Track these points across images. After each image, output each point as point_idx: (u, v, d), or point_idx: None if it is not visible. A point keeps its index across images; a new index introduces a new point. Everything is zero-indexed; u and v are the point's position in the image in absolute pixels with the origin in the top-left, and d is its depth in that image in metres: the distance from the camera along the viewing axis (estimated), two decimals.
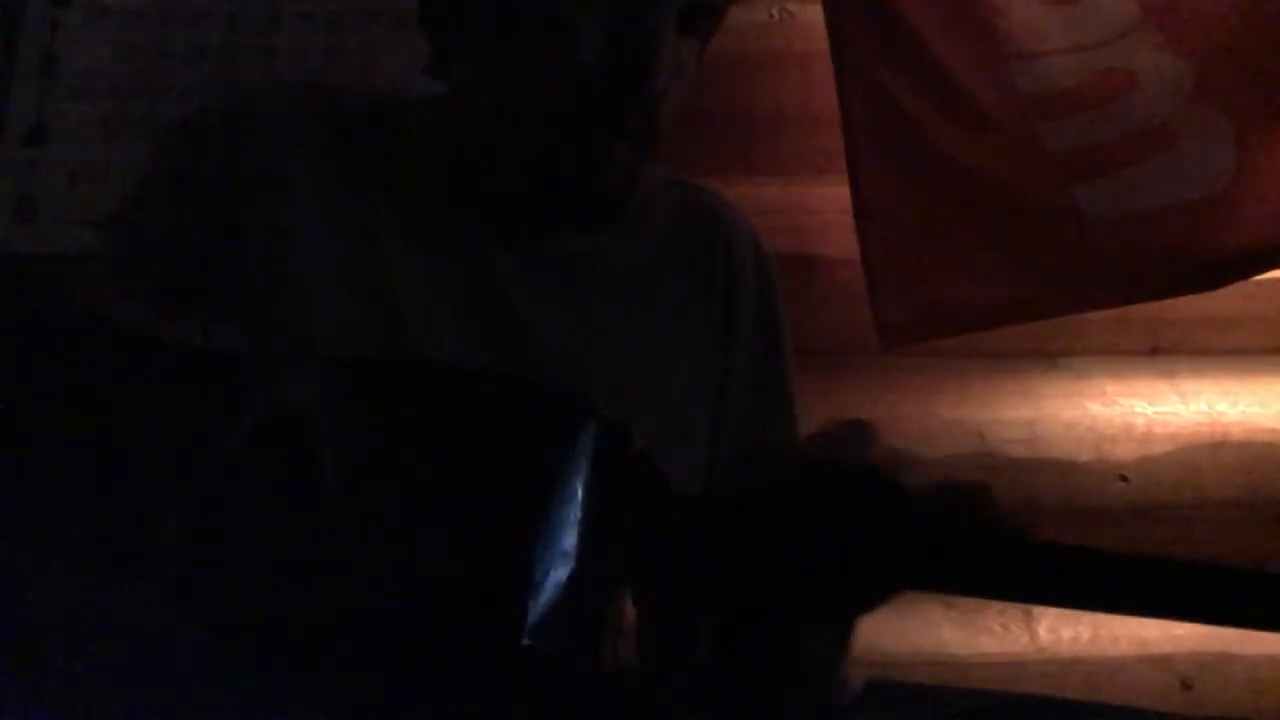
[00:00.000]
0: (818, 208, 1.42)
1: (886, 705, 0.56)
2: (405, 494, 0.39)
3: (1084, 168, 1.26)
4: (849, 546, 0.44)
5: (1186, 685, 1.25)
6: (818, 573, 0.46)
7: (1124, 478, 1.39)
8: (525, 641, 0.37)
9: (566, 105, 0.65)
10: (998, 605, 1.36)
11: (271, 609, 0.38)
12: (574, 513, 0.39)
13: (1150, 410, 1.41)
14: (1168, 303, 1.28)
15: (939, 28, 1.32)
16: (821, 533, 0.44)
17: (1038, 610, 1.36)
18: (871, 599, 0.50)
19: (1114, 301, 1.28)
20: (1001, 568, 0.44)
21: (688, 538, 0.43)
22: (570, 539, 0.38)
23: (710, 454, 0.76)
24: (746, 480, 0.49)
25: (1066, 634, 1.34)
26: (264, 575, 0.38)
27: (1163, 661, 1.28)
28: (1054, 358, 1.44)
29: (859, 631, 0.56)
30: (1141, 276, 1.23)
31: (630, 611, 0.53)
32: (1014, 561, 0.44)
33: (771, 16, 1.55)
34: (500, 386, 0.43)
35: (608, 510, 0.40)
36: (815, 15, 1.39)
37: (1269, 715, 1.31)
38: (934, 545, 0.44)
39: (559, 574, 0.37)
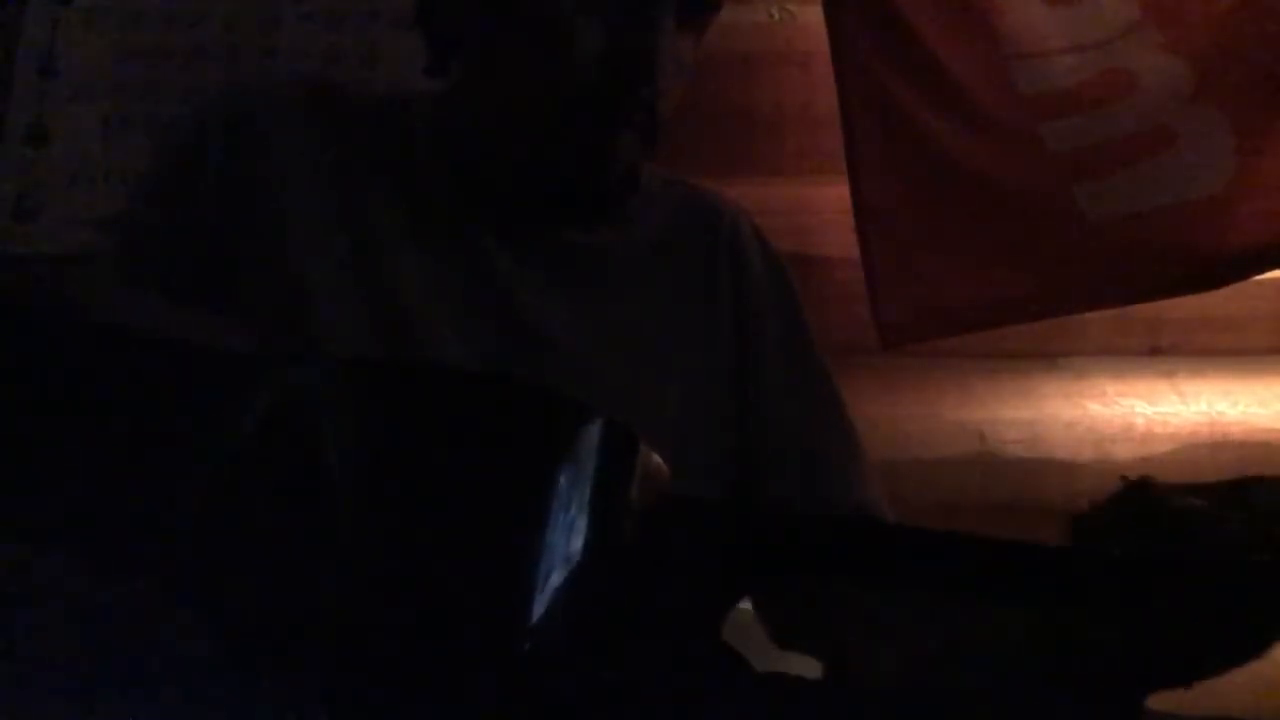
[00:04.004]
0: (818, 208, 1.42)
1: (888, 703, 0.55)
2: (407, 496, 0.39)
3: (1084, 168, 1.26)
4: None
5: (1186, 685, 1.25)
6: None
7: (1124, 478, 1.39)
8: (527, 644, 0.37)
9: (566, 102, 0.65)
10: None
11: (272, 609, 0.38)
12: (576, 515, 0.39)
13: (1150, 410, 1.41)
14: (1168, 303, 1.28)
15: (939, 28, 1.32)
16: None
17: None
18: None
19: (1114, 301, 1.28)
20: None
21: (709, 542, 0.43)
22: (573, 542, 0.38)
23: (741, 450, 0.76)
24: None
25: None
26: (265, 575, 0.38)
27: None
28: (1054, 358, 1.44)
29: None
30: (1141, 276, 1.23)
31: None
32: None
33: (771, 16, 1.55)
34: (503, 389, 0.43)
35: (610, 512, 0.40)
36: (815, 15, 1.39)
37: (1269, 715, 1.31)
38: None
39: (561, 577, 0.37)
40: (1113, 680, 0.49)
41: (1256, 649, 0.46)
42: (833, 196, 1.37)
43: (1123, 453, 1.40)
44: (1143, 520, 0.46)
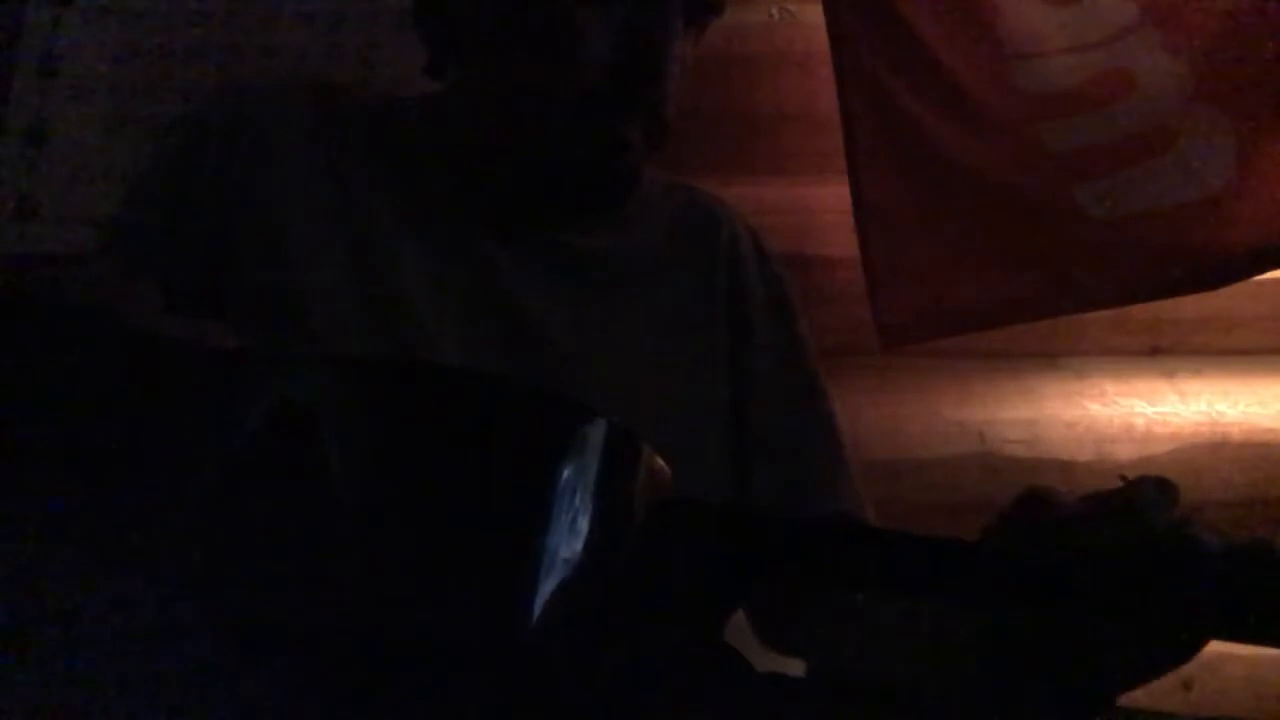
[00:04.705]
0: (818, 208, 1.42)
1: (885, 699, 0.55)
2: (408, 496, 0.39)
3: (1084, 168, 1.26)
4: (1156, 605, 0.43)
5: (1186, 685, 1.25)
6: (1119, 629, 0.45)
7: (1124, 478, 1.39)
8: (528, 645, 0.37)
9: (570, 102, 0.65)
10: None
11: (273, 610, 0.38)
12: (577, 516, 0.39)
13: (1150, 410, 1.41)
14: (1168, 303, 1.28)
15: (939, 28, 1.32)
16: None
17: None
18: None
19: (1114, 301, 1.28)
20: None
21: (699, 542, 0.43)
22: (574, 543, 0.38)
23: (737, 453, 0.76)
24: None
25: None
26: (266, 576, 0.38)
27: None
28: (1054, 358, 1.44)
29: None
30: (1141, 276, 1.24)
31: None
32: None
33: (771, 16, 1.55)
34: (505, 389, 0.43)
35: (612, 513, 0.40)
36: (815, 15, 1.39)
37: (1269, 715, 1.31)
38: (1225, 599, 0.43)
39: (562, 578, 0.37)
40: (1079, 678, 0.49)
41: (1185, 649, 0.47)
42: (833, 196, 1.37)
43: (1123, 453, 1.40)
44: (1033, 529, 0.47)
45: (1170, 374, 1.43)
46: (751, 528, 0.45)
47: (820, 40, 1.36)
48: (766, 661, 0.73)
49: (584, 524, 0.39)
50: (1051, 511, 0.48)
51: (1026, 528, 0.48)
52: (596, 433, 0.40)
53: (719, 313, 0.78)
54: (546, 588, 0.37)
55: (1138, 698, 0.57)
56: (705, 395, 0.75)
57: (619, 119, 0.66)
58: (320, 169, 0.70)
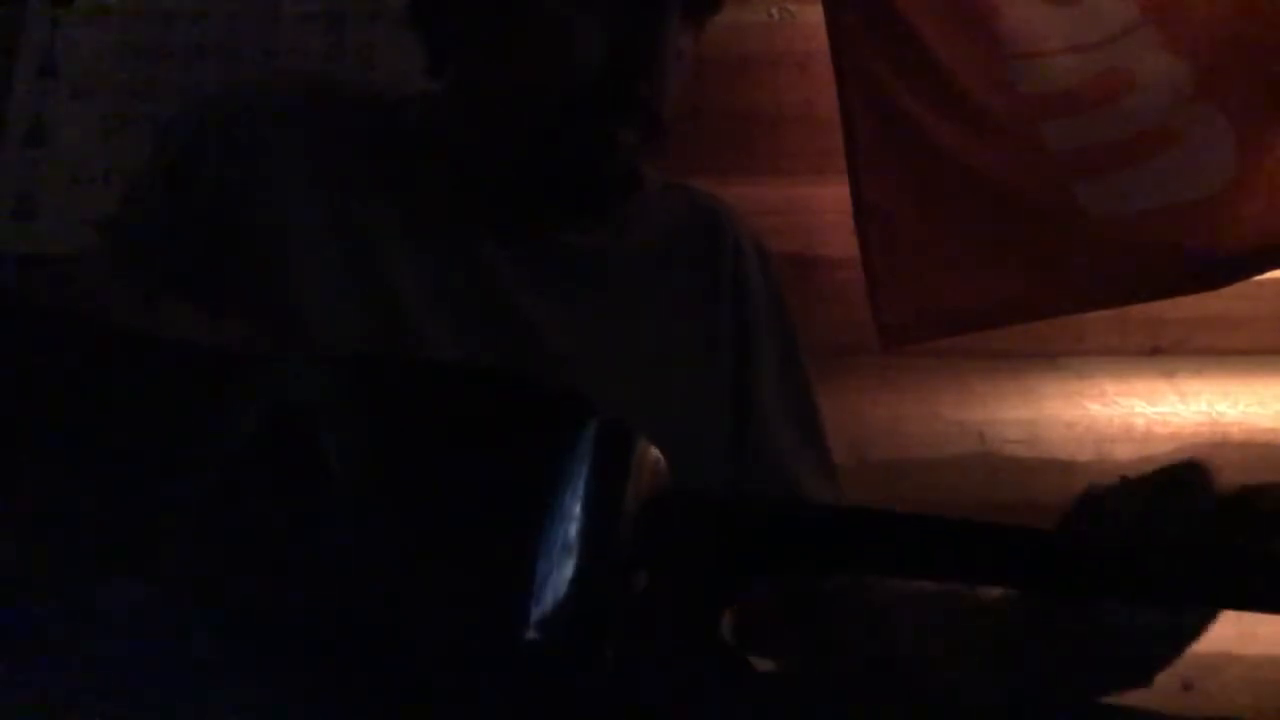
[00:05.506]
0: (818, 208, 1.42)
1: (885, 699, 0.56)
2: (407, 492, 0.39)
3: (1084, 168, 1.26)
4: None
5: (1186, 685, 1.25)
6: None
7: (1124, 478, 1.39)
8: (527, 640, 0.37)
9: (565, 100, 0.65)
10: None
11: (272, 608, 0.38)
12: (576, 510, 0.39)
13: (1150, 410, 1.41)
14: (1168, 303, 1.28)
15: (939, 28, 1.32)
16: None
17: None
18: None
19: (1114, 301, 1.28)
20: None
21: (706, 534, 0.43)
22: (572, 537, 0.38)
23: (737, 456, 0.76)
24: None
25: None
26: (264, 574, 0.38)
27: None
28: (1054, 358, 1.44)
29: None
30: (1141, 276, 1.24)
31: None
32: None
33: (771, 16, 1.55)
34: (502, 385, 0.43)
35: (610, 509, 0.40)
36: (815, 15, 1.39)
37: (1269, 715, 1.31)
38: None
39: (561, 572, 0.37)
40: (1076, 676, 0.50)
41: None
42: (833, 196, 1.37)
43: (1123, 453, 1.40)
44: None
45: (1170, 374, 1.43)
46: (750, 518, 0.45)
47: (820, 40, 1.36)
48: (766, 661, 0.73)
49: (582, 519, 0.39)
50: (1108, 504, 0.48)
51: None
52: (593, 428, 0.40)
53: (722, 317, 0.78)
54: (545, 585, 0.37)
55: (1138, 698, 0.57)
56: (704, 396, 0.75)
57: (609, 119, 0.66)
58: (318, 168, 0.70)
